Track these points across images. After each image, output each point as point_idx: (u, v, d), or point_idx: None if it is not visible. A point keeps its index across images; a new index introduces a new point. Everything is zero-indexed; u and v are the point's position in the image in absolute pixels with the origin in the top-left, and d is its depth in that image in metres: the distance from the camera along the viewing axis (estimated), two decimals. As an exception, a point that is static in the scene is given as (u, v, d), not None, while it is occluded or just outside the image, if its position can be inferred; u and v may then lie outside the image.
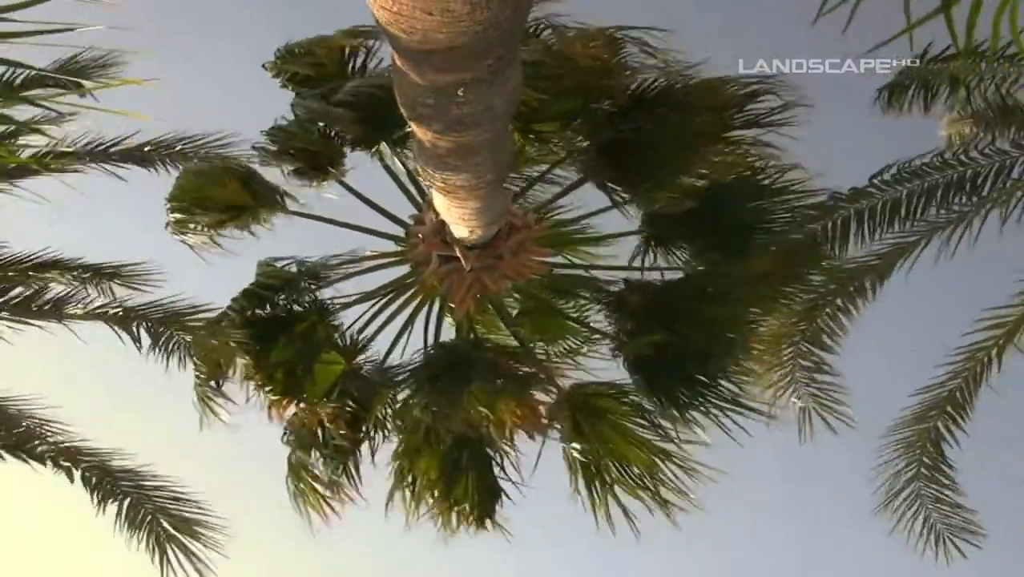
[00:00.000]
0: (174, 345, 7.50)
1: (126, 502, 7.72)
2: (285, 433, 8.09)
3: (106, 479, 7.74)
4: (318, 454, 7.93)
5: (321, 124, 7.74)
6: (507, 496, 7.96)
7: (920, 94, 7.91)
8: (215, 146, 8.17)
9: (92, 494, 7.76)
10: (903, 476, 8.15)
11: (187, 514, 7.69)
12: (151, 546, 7.66)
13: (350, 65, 8.16)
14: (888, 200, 7.77)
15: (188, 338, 7.40)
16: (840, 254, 7.89)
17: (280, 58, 8.18)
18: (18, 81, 7.08)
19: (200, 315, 7.60)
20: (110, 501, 7.71)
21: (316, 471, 8.03)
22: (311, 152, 7.74)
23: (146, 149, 8.02)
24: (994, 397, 7.93)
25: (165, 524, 7.70)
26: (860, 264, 8.00)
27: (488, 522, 7.93)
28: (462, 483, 7.82)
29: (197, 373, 7.77)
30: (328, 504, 8.06)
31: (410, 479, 7.97)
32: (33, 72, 6.50)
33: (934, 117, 8.01)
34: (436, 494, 7.85)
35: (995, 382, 7.87)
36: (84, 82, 7.18)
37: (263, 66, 8.26)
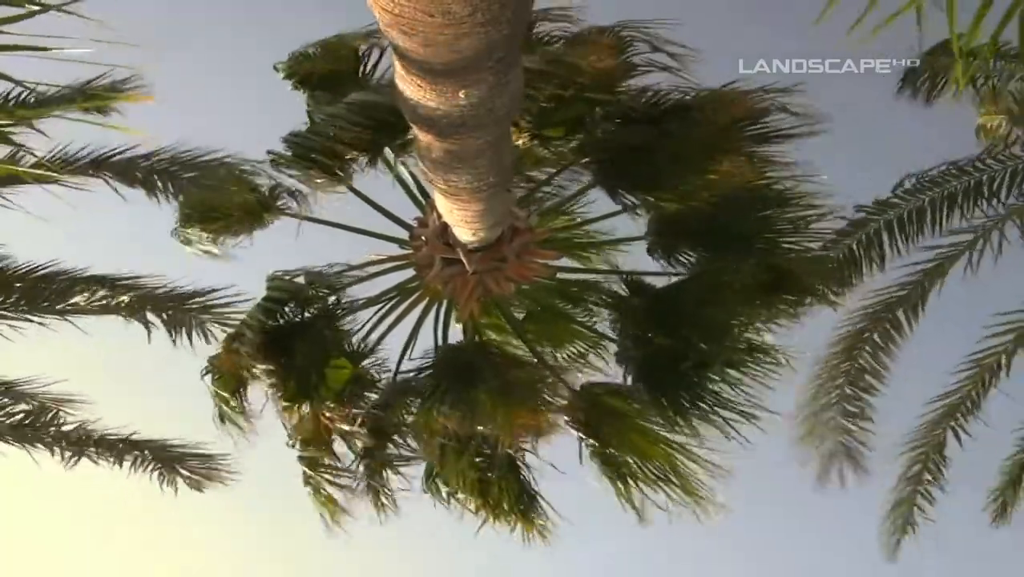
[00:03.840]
0: (190, 326, 7.64)
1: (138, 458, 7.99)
2: (291, 438, 8.10)
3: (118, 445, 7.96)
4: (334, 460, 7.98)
5: (335, 129, 7.66)
6: (538, 496, 7.97)
7: (942, 83, 7.92)
8: (214, 160, 8.26)
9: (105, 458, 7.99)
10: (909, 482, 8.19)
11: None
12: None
13: (363, 66, 8.13)
14: (913, 210, 7.86)
15: (201, 323, 7.57)
16: (879, 268, 7.94)
17: (293, 60, 8.14)
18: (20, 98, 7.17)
19: (210, 298, 7.72)
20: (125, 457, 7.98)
21: (332, 476, 8.07)
22: (326, 157, 7.75)
23: (143, 164, 8.09)
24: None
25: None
26: (890, 295, 8.03)
27: (528, 521, 7.94)
28: (496, 485, 7.82)
29: (217, 394, 7.86)
30: (342, 508, 8.11)
31: (442, 484, 7.98)
32: (34, 90, 6.60)
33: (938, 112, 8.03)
34: (473, 496, 7.85)
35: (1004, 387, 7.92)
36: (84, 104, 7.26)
37: (274, 67, 8.22)
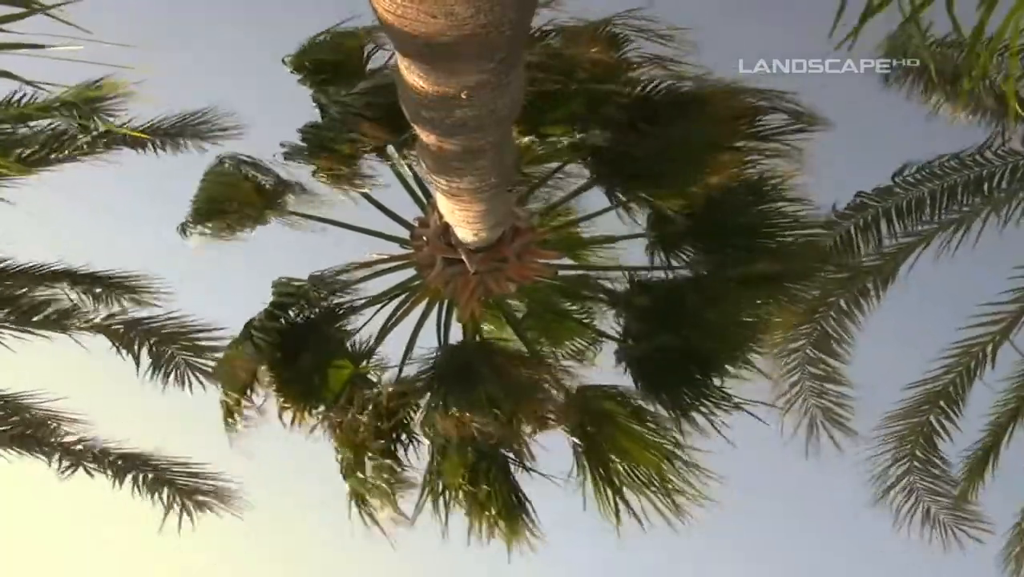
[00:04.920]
0: (175, 365, 7.65)
1: (141, 476, 7.91)
2: (338, 454, 8.12)
3: (120, 460, 7.90)
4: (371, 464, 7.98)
5: (354, 116, 7.56)
6: (525, 500, 7.94)
7: (922, 81, 7.92)
8: (207, 126, 8.18)
9: (106, 472, 7.93)
10: (897, 469, 8.22)
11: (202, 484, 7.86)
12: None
13: (367, 59, 8.04)
14: (912, 199, 7.89)
15: (191, 359, 7.57)
16: (867, 251, 7.96)
17: (300, 51, 8.02)
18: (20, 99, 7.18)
19: (204, 335, 7.74)
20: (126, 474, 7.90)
21: (372, 481, 8.07)
22: (338, 152, 7.70)
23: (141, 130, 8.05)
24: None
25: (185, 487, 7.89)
26: (863, 265, 8.05)
27: (515, 526, 7.92)
28: (486, 486, 7.80)
29: (223, 395, 7.87)
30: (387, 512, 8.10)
31: (440, 484, 7.96)
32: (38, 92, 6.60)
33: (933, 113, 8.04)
34: (463, 498, 7.84)
35: (988, 378, 7.96)
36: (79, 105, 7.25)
37: (283, 60, 8.09)
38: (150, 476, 8.07)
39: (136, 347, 7.90)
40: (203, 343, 7.95)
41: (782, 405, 8.35)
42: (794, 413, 8.44)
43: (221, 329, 8.09)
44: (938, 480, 8.25)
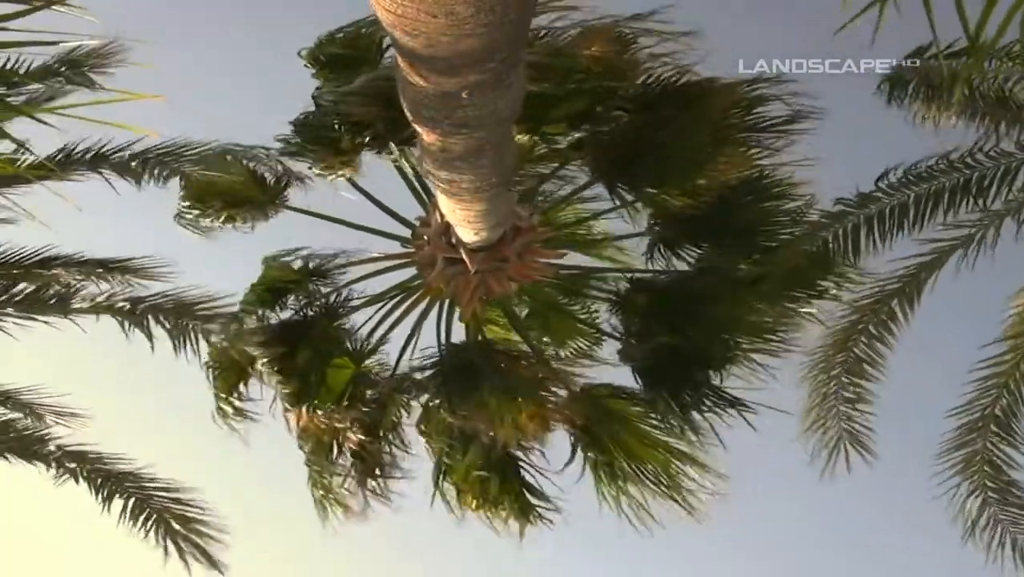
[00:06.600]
0: (189, 336, 7.55)
1: (131, 502, 7.79)
2: (300, 443, 8.12)
3: (111, 480, 7.80)
4: (338, 460, 7.98)
5: (341, 116, 7.58)
6: (538, 497, 7.96)
7: (921, 89, 7.85)
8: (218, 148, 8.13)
9: (96, 494, 7.82)
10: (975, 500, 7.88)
11: (190, 514, 7.76)
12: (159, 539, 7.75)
13: (382, 58, 7.96)
14: (896, 205, 7.68)
15: (205, 333, 7.46)
16: (854, 262, 7.84)
17: (318, 44, 7.94)
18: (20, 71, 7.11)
19: (212, 306, 7.66)
20: (116, 496, 7.78)
21: (334, 477, 8.07)
22: (333, 145, 7.69)
23: (147, 157, 7.91)
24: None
25: (172, 522, 7.77)
26: (886, 288, 7.93)
27: (527, 521, 7.93)
28: (496, 483, 7.82)
29: (215, 384, 7.87)
30: (347, 508, 8.11)
31: (448, 482, 7.98)
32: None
33: (934, 115, 7.97)
34: (474, 494, 7.85)
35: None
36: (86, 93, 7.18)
37: (298, 54, 8.02)
38: (141, 509, 7.84)
39: (146, 322, 7.71)
40: (219, 310, 7.78)
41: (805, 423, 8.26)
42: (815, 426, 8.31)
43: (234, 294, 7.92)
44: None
